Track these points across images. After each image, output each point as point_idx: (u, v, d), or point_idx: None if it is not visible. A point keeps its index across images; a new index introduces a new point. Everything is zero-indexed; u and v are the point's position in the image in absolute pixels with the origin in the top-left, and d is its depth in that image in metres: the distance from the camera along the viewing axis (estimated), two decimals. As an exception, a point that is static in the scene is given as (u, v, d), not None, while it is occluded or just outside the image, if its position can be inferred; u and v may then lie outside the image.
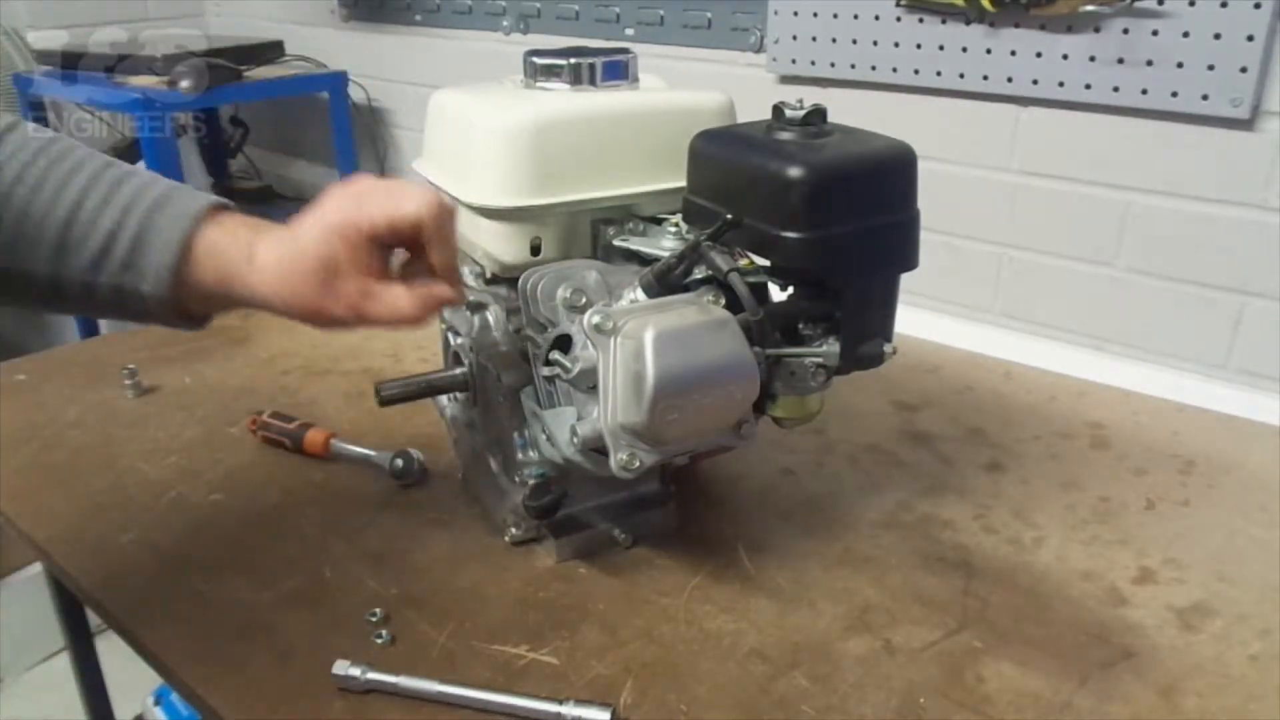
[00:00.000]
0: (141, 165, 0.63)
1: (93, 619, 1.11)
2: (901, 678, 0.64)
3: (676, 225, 0.73)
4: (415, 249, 0.61)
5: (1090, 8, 1.01)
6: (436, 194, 0.60)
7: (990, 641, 0.67)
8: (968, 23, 1.11)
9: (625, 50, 0.78)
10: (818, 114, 0.67)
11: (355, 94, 1.96)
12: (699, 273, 0.66)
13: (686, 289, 0.66)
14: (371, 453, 0.87)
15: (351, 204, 0.59)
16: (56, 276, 0.57)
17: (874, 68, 1.21)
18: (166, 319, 0.60)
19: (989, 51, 1.11)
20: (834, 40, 1.23)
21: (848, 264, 0.65)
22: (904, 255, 0.68)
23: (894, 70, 1.19)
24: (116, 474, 0.87)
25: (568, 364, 0.65)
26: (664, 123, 0.74)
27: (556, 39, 1.56)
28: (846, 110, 0.71)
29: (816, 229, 0.63)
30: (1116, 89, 1.04)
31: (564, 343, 0.66)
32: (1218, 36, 0.96)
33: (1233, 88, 0.97)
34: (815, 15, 1.23)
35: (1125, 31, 1.01)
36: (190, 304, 0.60)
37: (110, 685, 1.19)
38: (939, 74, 1.16)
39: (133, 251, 0.57)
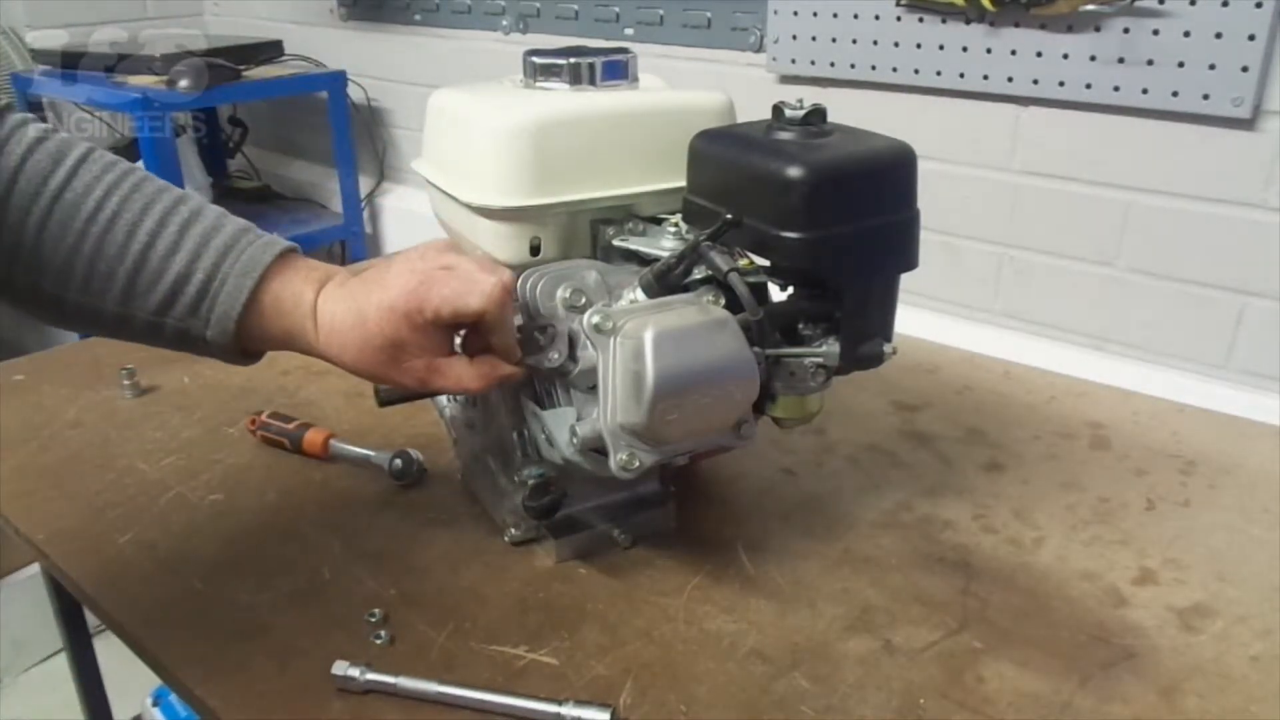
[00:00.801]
0: (207, 202, 0.64)
1: (91, 619, 1.10)
2: (901, 678, 0.63)
3: (676, 225, 0.73)
4: (476, 327, 0.63)
5: (1091, 7, 1.01)
6: (500, 279, 0.61)
7: (990, 642, 0.67)
8: (968, 22, 1.11)
9: (625, 50, 0.78)
10: (818, 114, 0.67)
11: (354, 93, 1.96)
12: (699, 273, 0.66)
13: (686, 289, 0.66)
14: (371, 453, 0.87)
15: (418, 287, 0.60)
16: (125, 314, 0.60)
17: (874, 68, 1.21)
18: (227, 359, 0.63)
19: (989, 51, 1.11)
20: (834, 40, 1.23)
21: (848, 264, 0.65)
22: (904, 255, 0.68)
23: (894, 70, 1.19)
24: (115, 474, 0.87)
25: (567, 364, 0.64)
26: (664, 123, 0.74)
27: (556, 39, 1.56)
28: (846, 110, 0.71)
29: (816, 229, 0.63)
30: (1117, 88, 1.04)
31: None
32: (1219, 36, 0.96)
33: (1234, 87, 0.97)
34: (815, 15, 1.23)
35: (1126, 31, 1.01)
36: (252, 346, 0.63)
37: (109, 686, 1.19)
38: (939, 74, 1.16)
39: (199, 300, 0.60)
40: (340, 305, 0.61)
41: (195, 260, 0.59)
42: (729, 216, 0.63)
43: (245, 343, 0.62)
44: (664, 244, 0.71)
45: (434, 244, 0.65)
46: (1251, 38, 0.94)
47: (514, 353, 0.65)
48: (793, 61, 1.28)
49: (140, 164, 1.69)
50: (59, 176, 0.58)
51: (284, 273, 0.62)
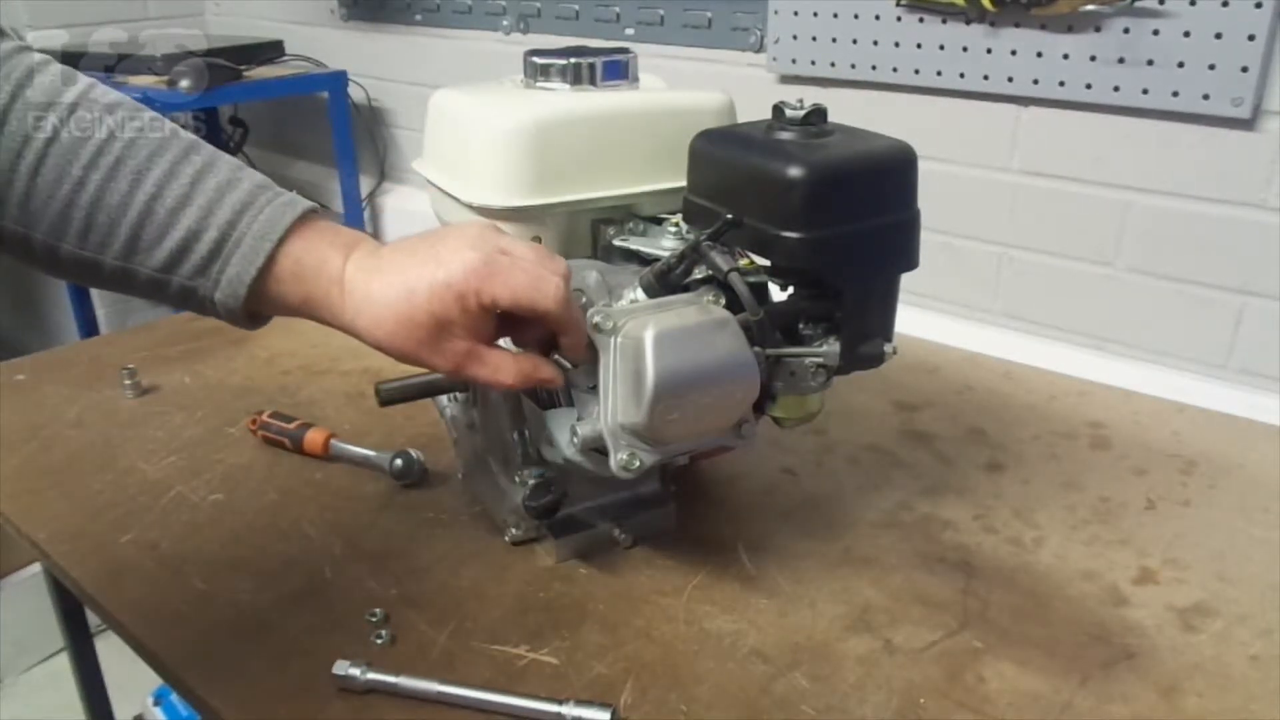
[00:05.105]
0: (222, 153, 0.58)
1: (92, 619, 1.10)
2: (901, 678, 0.64)
3: (676, 225, 0.73)
4: (531, 323, 0.60)
5: (1091, 7, 1.01)
6: (563, 274, 0.58)
7: (990, 641, 0.67)
8: (968, 22, 1.11)
9: (625, 50, 0.78)
10: (818, 114, 0.67)
11: (355, 94, 1.96)
12: (699, 273, 0.66)
13: (686, 289, 0.66)
14: (371, 453, 0.87)
15: (481, 269, 0.56)
16: (126, 270, 0.55)
17: (874, 68, 1.21)
18: (231, 320, 0.58)
19: (989, 51, 1.11)
20: (834, 40, 1.23)
21: (848, 264, 0.65)
22: (904, 255, 0.68)
23: (894, 70, 1.19)
24: (116, 474, 0.87)
25: (567, 364, 0.65)
26: (664, 123, 0.74)
27: (556, 39, 1.56)
28: (846, 110, 0.71)
29: (816, 229, 0.63)
30: (1117, 88, 1.04)
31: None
32: (1219, 36, 0.96)
33: (1234, 87, 0.97)
34: (815, 15, 1.23)
35: (1126, 31, 1.01)
36: (261, 310, 0.58)
37: (110, 685, 1.19)
38: (939, 74, 1.16)
39: (209, 260, 0.55)
40: (380, 277, 0.57)
41: (208, 216, 0.54)
42: (729, 216, 0.63)
43: (253, 306, 0.57)
44: (664, 244, 0.71)
45: (479, 223, 0.61)
46: (1251, 38, 0.94)
47: (582, 352, 0.62)
48: (793, 61, 1.28)
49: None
50: (54, 116, 0.53)
51: (306, 235, 0.57)
